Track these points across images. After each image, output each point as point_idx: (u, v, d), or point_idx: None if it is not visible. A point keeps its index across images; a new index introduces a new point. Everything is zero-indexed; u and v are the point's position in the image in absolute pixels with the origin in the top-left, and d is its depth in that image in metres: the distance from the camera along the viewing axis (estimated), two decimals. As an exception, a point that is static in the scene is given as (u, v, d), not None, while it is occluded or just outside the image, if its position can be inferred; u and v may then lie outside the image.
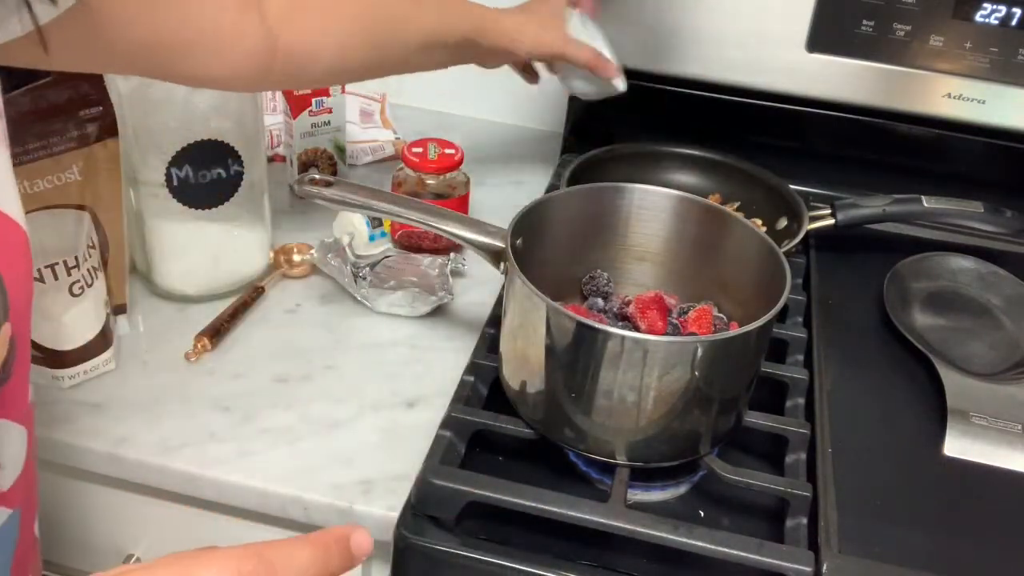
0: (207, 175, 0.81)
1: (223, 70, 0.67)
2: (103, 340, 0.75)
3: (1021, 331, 0.87)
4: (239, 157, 0.82)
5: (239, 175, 0.83)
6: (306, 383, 0.78)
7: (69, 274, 0.71)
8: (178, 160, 0.79)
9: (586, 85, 0.95)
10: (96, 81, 0.70)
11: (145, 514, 0.76)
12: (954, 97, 0.97)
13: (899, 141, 1.05)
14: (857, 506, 0.66)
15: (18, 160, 0.66)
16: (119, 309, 0.80)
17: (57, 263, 0.70)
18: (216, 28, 0.65)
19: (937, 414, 0.75)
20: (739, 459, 0.71)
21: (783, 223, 0.95)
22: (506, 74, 1.21)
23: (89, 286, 0.73)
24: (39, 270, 0.70)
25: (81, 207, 0.72)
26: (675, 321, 0.73)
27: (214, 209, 0.83)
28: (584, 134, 1.13)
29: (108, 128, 0.72)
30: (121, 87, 0.76)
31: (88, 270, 0.73)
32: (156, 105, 0.77)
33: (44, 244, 0.69)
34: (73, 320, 0.73)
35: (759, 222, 0.96)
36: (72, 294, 0.72)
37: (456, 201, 0.92)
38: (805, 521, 0.64)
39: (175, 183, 0.80)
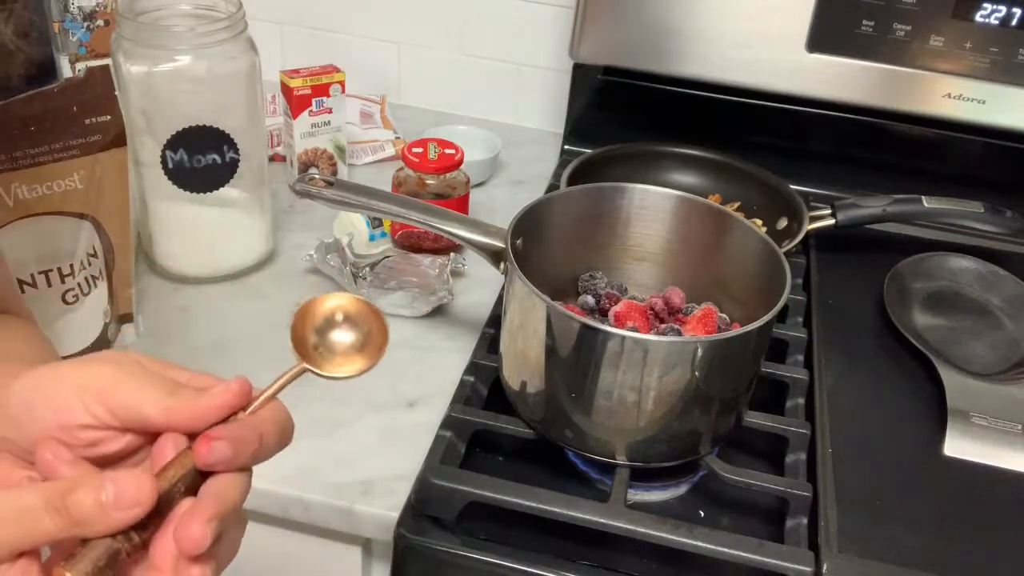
0: (201, 160, 0.82)
1: None
2: (98, 350, 0.75)
3: (1021, 331, 0.87)
4: (234, 144, 0.83)
5: (235, 162, 0.84)
6: (306, 383, 0.78)
7: (63, 281, 0.71)
8: (173, 143, 0.80)
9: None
10: (106, 90, 0.70)
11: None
12: (954, 97, 0.97)
13: (899, 141, 1.05)
14: (857, 506, 0.66)
15: (17, 164, 0.66)
16: (125, 319, 0.80)
17: (51, 270, 0.70)
18: None
19: (937, 414, 0.75)
20: (739, 459, 0.71)
21: (783, 223, 0.95)
22: (506, 74, 1.22)
23: (85, 295, 0.73)
24: (31, 275, 0.69)
25: (82, 215, 0.72)
26: (673, 323, 0.74)
27: (210, 194, 0.84)
28: (584, 134, 1.13)
29: (116, 138, 0.71)
30: (133, 70, 0.78)
31: (85, 279, 0.72)
32: (155, 89, 0.79)
33: (38, 250, 0.69)
34: (65, 328, 0.73)
35: (759, 222, 0.96)
36: (65, 302, 0.72)
37: (456, 201, 0.92)
38: (805, 521, 0.64)
39: (170, 166, 0.81)
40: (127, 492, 0.36)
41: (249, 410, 0.42)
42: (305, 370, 0.45)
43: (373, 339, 0.47)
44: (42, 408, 0.39)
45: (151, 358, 0.43)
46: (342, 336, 0.47)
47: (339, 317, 0.47)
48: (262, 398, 0.43)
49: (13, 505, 0.36)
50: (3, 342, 0.51)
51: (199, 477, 0.40)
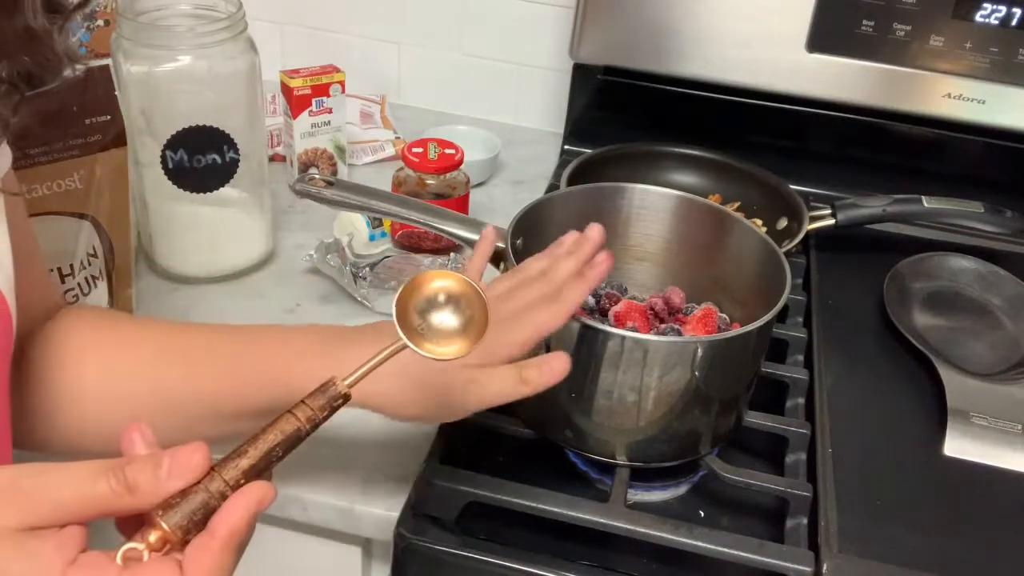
0: (202, 160, 0.82)
1: None
2: None
3: (1021, 331, 0.87)
4: (234, 144, 0.83)
5: (235, 162, 0.84)
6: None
7: (63, 281, 0.71)
8: (173, 143, 0.80)
9: None
10: (106, 90, 0.70)
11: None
12: (954, 97, 0.97)
13: (899, 141, 1.05)
14: (857, 506, 0.66)
15: (17, 165, 0.66)
16: None
17: (51, 270, 0.70)
18: None
19: (937, 414, 0.75)
20: (739, 459, 0.71)
21: (783, 223, 0.95)
22: (506, 74, 1.22)
23: (85, 294, 0.73)
24: None
25: (82, 215, 0.72)
26: (673, 323, 0.74)
27: (210, 194, 0.84)
28: (584, 134, 1.13)
29: (116, 138, 0.71)
30: (133, 70, 0.78)
31: (86, 279, 0.72)
32: (155, 89, 0.79)
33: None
34: None
35: (759, 222, 0.96)
36: (65, 302, 0.72)
37: (456, 201, 0.92)
38: (805, 521, 0.65)
39: (171, 166, 0.81)
40: (181, 462, 0.39)
41: (347, 382, 0.43)
42: (405, 347, 0.44)
43: (475, 322, 0.46)
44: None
45: None
46: (445, 317, 0.46)
47: (443, 297, 0.46)
48: (360, 372, 0.44)
49: (73, 467, 0.38)
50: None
51: (297, 441, 0.42)
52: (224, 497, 0.39)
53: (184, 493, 0.39)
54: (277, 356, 0.57)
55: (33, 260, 0.57)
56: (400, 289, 0.45)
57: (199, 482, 0.39)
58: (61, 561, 0.36)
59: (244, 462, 0.40)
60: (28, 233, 0.57)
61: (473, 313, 0.46)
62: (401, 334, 0.44)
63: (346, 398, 0.43)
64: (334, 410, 0.43)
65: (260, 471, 0.41)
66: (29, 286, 0.53)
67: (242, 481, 0.40)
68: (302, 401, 0.43)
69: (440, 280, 0.46)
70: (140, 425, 0.41)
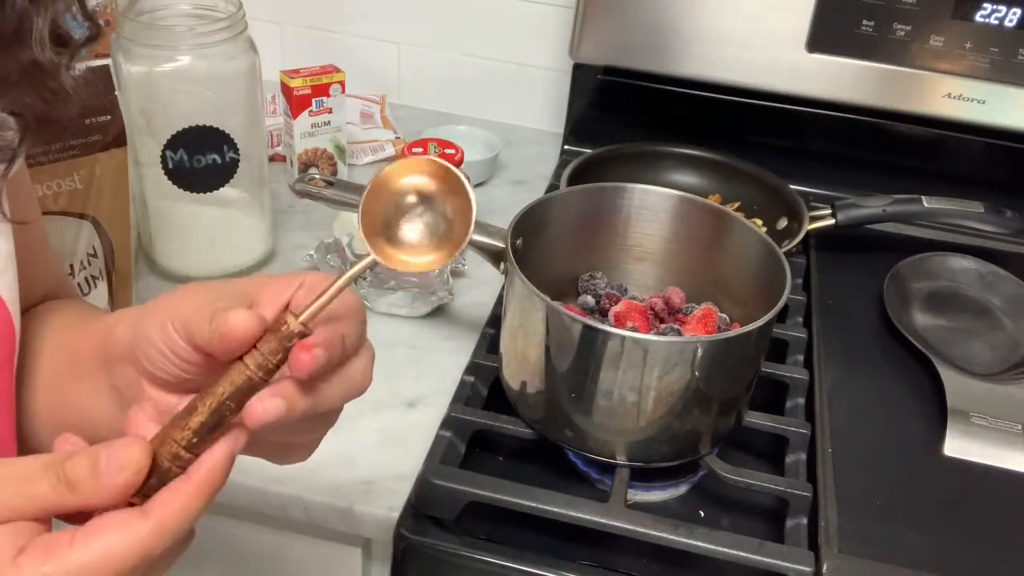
0: (202, 160, 0.82)
1: None
2: None
3: (1021, 331, 0.87)
4: (235, 144, 0.83)
5: (235, 162, 0.84)
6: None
7: None
8: (173, 143, 0.80)
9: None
10: (106, 90, 0.70)
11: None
12: (954, 97, 0.97)
13: (899, 141, 1.05)
14: (857, 506, 0.66)
15: None
16: None
17: None
18: None
19: (937, 414, 0.75)
20: (739, 459, 0.71)
21: (783, 223, 0.95)
22: (506, 74, 1.22)
23: (85, 294, 0.73)
24: None
25: (82, 216, 0.72)
26: (673, 323, 0.74)
27: (210, 194, 0.84)
28: (584, 134, 1.13)
29: (116, 138, 0.71)
30: (132, 70, 0.78)
31: (86, 279, 0.72)
32: (155, 89, 0.79)
33: None
34: None
35: (759, 222, 0.96)
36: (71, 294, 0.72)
37: (456, 201, 0.92)
38: (805, 521, 0.64)
39: (171, 166, 0.81)
40: (116, 457, 0.38)
41: (301, 319, 0.39)
42: (375, 263, 0.40)
43: (455, 221, 0.39)
44: (155, 339, 0.43)
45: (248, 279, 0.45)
46: (417, 221, 0.40)
47: (415, 197, 0.39)
48: (317, 304, 0.39)
49: (13, 467, 0.38)
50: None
51: (250, 392, 0.40)
52: (178, 458, 0.38)
53: (153, 469, 0.38)
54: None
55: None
56: (365, 192, 0.39)
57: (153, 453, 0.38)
58: (11, 545, 0.35)
59: (195, 420, 0.39)
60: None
61: (453, 208, 0.39)
62: (368, 247, 0.39)
63: (302, 336, 0.39)
64: (288, 352, 0.39)
65: (213, 428, 0.39)
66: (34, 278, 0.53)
67: (195, 440, 0.39)
68: (253, 347, 0.39)
69: (412, 176, 0.39)
70: (67, 436, 0.41)
